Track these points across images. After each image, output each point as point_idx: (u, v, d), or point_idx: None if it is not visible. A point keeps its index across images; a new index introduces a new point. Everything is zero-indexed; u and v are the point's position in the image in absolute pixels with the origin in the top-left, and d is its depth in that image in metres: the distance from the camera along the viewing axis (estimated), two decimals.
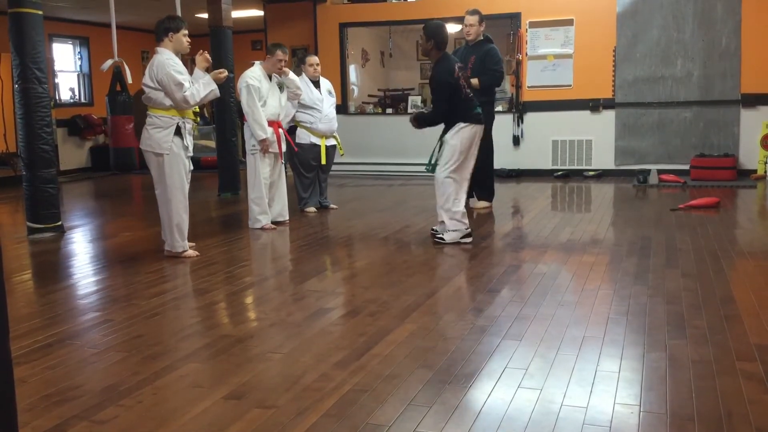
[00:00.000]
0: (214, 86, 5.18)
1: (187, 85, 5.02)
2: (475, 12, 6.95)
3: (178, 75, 4.99)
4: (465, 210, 5.53)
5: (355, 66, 11.32)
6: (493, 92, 7.05)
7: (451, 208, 5.44)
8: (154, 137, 5.08)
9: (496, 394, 2.72)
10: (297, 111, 6.79)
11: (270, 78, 6.27)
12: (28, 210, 6.33)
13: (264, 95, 6.18)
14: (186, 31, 5.17)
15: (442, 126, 5.53)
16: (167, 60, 5.03)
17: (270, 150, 6.24)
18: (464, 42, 7.19)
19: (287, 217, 6.56)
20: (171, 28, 5.10)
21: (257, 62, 6.34)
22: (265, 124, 6.12)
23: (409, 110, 10.53)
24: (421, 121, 5.63)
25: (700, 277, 4.34)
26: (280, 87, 6.36)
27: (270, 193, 6.38)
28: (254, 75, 6.18)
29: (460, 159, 5.39)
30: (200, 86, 5.11)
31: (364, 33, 11.33)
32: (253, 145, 6.22)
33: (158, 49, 5.12)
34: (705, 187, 8.17)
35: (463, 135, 5.36)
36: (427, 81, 11.84)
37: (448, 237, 5.50)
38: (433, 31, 5.40)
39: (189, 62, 13.95)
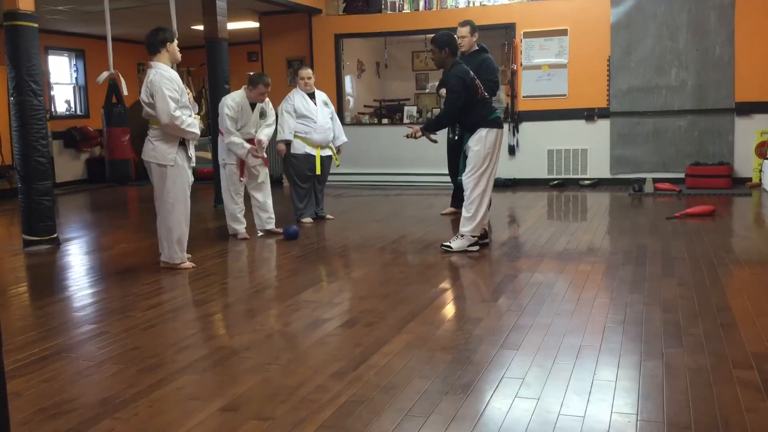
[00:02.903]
0: (198, 133, 5.17)
1: (175, 105, 4.96)
2: (466, 23, 6.98)
3: (172, 92, 4.96)
4: (484, 220, 5.55)
5: (350, 77, 11.34)
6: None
7: (473, 216, 5.45)
8: (158, 148, 5.06)
9: (494, 403, 2.72)
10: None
11: (252, 107, 6.29)
12: (24, 222, 6.31)
13: (241, 124, 6.25)
14: (176, 40, 5.20)
15: (446, 139, 5.57)
16: (163, 75, 4.98)
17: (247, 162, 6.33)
18: (459, 53, 7.21)
19: (274, 226, 6.55)
20: (167, 39, 5.09)
21: (244, 87, 6.34)
22: (240, 140, 6.20)
23: (405, 120, 10.55)
24: (430, 125, 5.68)
25: (696, 285, 4.35)
26: (262, 114, 6.41)
27: (257, 203, 6.47)
28: (233, 103, 6.22)
29: (485, 164, 5.41)
30: (188, 120, 5.06)
31: (359, 44, 11.36)
32: (224, 159, 6.34)
33: (153, 63, 5.07)
34: (700, 196, 8.19)
35: (486, 140, 5.40)
36: (423, 91, 11.96)
37: (456, 245, 5.52)
38: (444, 40, 5.52)
39: (185, 74, 13.96)
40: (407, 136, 5.82)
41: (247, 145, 6.23)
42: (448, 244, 5.57)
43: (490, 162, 5.43)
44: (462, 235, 5.52)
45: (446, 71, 5.56)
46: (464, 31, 6.93)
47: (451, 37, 5.61)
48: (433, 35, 5.68)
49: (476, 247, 5.53)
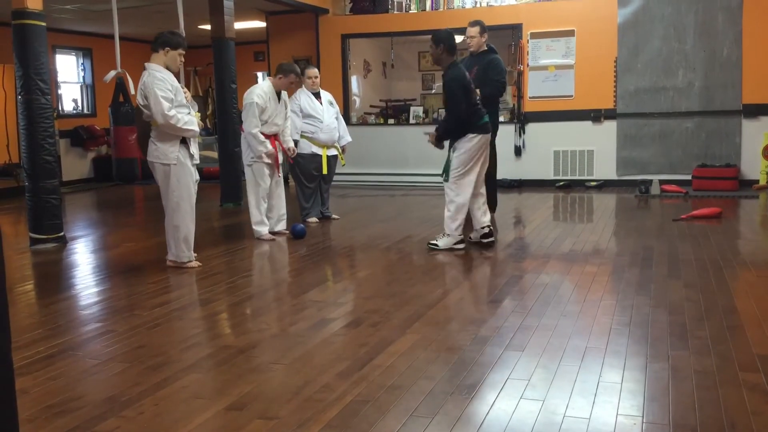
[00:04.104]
0: (196, 131, 5.16)
1: (168, 105, 4.96)
2: (476, 23, 6.97)
3: (165, 92, 4.96)
4: (464, 219, 5.61)
5: (357, 77, 11.35)
6: (497, 102, 7.08)
7: (454, 216, 5.54)
8: (160, 148, 5.08)
9: (499, 405, 2.72)
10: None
11: (279, 96, 6.28)
12: (31, 220, 6.34)
13: (269, 114, 6.19)
14: (183, 51, 5.17)
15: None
16: (155, 76, 4.98)
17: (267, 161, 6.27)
18: (468, 53, 7.21)
19: (286, 227, 6.54)
20: (169, 44, 5.08)
21: (268, 78, 6.33)
22: (263, 138, 6.14)
23: (411, 121, 10.55)
24: (441, 135, 5.71)
25: (703, 287, 4.34)
26: (286, 105, 6.40)
27: (269, 204, 6.41)
28: (262, 92, 6.16)
29: (467, 166, 5.49)
30: (185, 118, 5.04)
31: (365, 44, 11.37)
32: (252, 157, 6.24)
33: (147, 64, 5.08)
34: (707, 198, 8.17)
35: (470, 145, 5.47)
36: (429, 92, 11.96)
37: (442, 243, 5.62)
38: (442, 36, 5.54)
39: (192, 74, 13.95)
40: (429, 141, 5.87)
41: (270, 147, 6.17)
42: (435, 242, 5.63)
43: (473, 165, 5.52)
44: (448, 234, 5.58)
45: (444, 72, 5.57)
46: (473, 30, 6.91)
47: (450, 34, 5.60)
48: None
49: (462, 245, 5.59)
